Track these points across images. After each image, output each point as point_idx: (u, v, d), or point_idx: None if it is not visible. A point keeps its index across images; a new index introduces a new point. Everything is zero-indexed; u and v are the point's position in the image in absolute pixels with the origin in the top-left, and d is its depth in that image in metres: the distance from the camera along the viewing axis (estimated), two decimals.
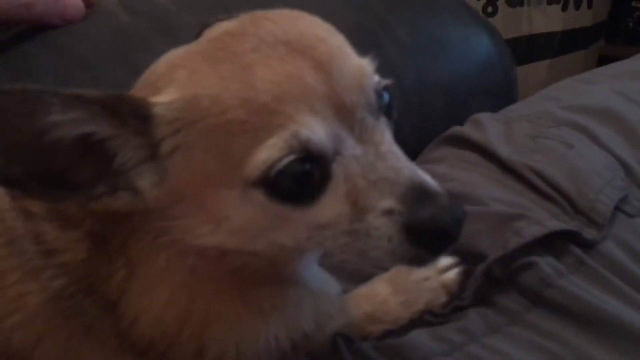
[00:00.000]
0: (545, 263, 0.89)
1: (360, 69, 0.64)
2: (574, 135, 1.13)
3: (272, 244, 0.65)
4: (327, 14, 0.69)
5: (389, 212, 0.61)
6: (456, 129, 1.27)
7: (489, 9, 2.69)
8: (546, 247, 0.92)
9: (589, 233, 0.95)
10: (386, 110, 0.68)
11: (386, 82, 0.68)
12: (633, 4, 3.26)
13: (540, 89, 1.42)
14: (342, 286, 0.86)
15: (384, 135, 0.65)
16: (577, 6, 2.87)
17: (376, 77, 0.66)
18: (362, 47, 0.68)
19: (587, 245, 0.93)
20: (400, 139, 0.70)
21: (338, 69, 0.62)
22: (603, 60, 3.01)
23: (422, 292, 0.92)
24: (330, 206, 0.62)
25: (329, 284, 0.82)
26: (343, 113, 0.61)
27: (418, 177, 0.62)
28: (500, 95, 1.53)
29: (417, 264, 0.64)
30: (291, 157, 0.58)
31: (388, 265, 0.84)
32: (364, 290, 0.94)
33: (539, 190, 1.03)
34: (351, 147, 0.62)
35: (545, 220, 0.94)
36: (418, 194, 0.61)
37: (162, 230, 0.64)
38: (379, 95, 0.66)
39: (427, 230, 0.60)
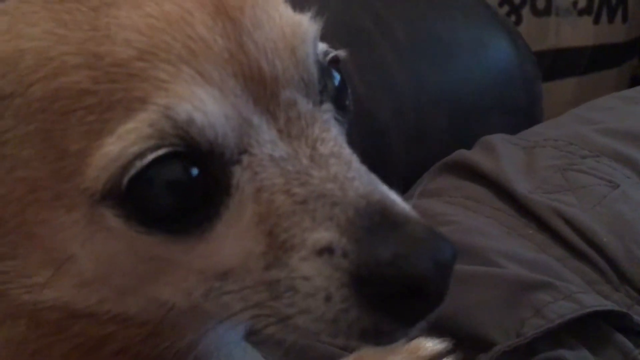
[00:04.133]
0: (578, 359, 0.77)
1: (293, 25, 0.53)
2: (619, 169, 1.02)
3: (151, 303, 0.54)
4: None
5: (326, 251, 0.48)
6: (461, 154, 1.16)
7: (512, 18, 2.58)
8: (579, 333, 0.79)
9: None
10: (335, 97, 0.57)
11: (336, 53, 0.57)
12: None
13: (564, 111, 1.37)
14: None
15: (328, 131, 0.53)
16: (611, 19, 2.75)
17: (322, 45, 0.56)
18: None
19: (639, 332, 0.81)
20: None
21: (255, 20, 0.50)
22: (636, 80, 2.95)
23: None
24: (232, 240, 0.50)
25: None
26: (258, 88, 0.50)
27: (377, 194, 0.50)
28: (520, 113, 1.44)
29: (375, 341, 0.51)
30: (160, 152, 0.46)
31: (326, 340, 0.69)
32: None
33: (569, 245, 0.91)
34: (269, 143, 0.50)
35: (579, 292, 0.83)
36: (376, 221, 0.48)
37: None
38: (324, 71, 0.55)
39: (390, 281, 0.46)
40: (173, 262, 0.52)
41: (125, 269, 0.52)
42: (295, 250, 0.49)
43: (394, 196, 0.51)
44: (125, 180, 0.47)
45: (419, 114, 1.28)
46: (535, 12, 2.47)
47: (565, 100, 2.53)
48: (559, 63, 2.60)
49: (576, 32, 2.55)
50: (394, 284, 0.47)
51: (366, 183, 0.51)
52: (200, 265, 0.51)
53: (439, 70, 1.34)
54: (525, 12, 2.45)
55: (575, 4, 2.51)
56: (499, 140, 1.17)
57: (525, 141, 1.17)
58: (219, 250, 0.51)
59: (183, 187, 0.48)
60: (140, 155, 0.46)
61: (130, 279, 0.53)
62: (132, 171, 0.47)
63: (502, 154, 1.10)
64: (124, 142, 0.46)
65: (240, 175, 0.50)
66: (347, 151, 0.53)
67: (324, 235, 0.49)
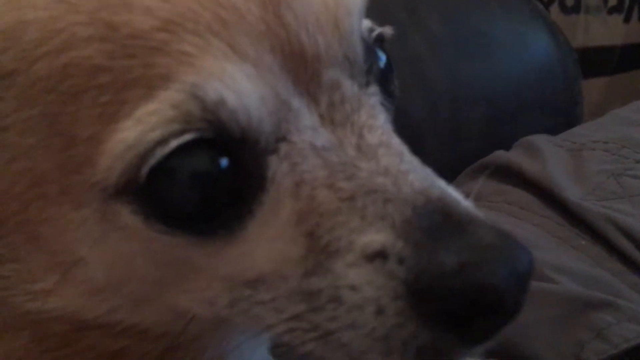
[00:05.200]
0: None
1: None
2: None
3: (170, 313, 0.52)
4: None
5: (378, 257, 0.45)
6: (501, 155, 1.12)
7: None
8: None
9: None
10: (381, 79, 0.54)
11: (382, 30, 0.55)
12: None
13: (593, 112, 1.37)
14: None
15: (375, 117, 0.50)
16: None
17: (366, 21, 0.53)
18: None
19: None
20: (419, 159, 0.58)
21: None
22: None
23: None
24: (265, 242, 0.47)
25: None
26: (298, 67, 0.47)
27: (436, 190, 0.47)
28: (560, 112, 1.43)
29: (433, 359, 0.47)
30: (185, 139, 0.43)
31: None
32: None
33: (626, 258, 0.89)
34: (310, 130, 0.47)
35: None
36: (437, 222, 0.45)
37: None
38: (369, 50, 0.52)
39: (456, 294, 0.43)
40: (196, 267, 0.49)
41: (141, 274, 0.50)
42: (340, 255, 0.46)
43: (455, 193, 0.47)
44: (145, 171, 0.43)
45: (454, 111, 1.27)
46: (564, 9, 2.45)
47: (593, 101, 2.51)
48: (588, 63, 2.51)
49: (606, 31, 2.53)
50: (462, 297, 0.43)
51: (422, 177, 0.47)
52: (228, 271, 0.48)
53: (476, 65, 1.33)
54: (554, 9, 2.41)
55: (605, 1, 2.50)
56: (542, 141, 1.14)
57: (570, 143, 1.13)
58: (250, 253, 0.47)
59: (211, 180, 0.45)
60: (162, 141, 0.43)
61: (147, 285, 0.51)
62: (152, 161, 0.43)
63: (548, 156, 1.06)
64: (143, 127, 0.43)
65: (277, 167, 0.46)
66: (397, 141, 0.50)
67: (375, 237, 0.45)
